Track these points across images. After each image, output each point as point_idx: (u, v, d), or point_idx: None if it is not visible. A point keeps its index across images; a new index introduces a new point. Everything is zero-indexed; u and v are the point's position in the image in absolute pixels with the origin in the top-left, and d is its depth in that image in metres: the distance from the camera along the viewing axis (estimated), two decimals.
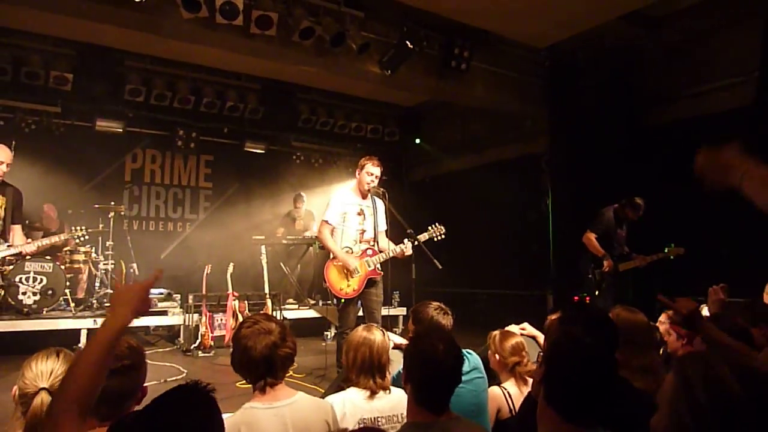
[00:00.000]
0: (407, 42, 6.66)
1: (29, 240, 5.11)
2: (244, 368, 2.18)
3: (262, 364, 2.11)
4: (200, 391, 1.40)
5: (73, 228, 5.14)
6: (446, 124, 10.56)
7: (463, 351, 2.75)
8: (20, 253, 4.88)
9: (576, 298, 6.33)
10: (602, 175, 6.91)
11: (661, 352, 3.45)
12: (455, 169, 10.31)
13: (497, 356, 3.05)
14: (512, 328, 3.43)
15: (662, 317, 3.41)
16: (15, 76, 7.48)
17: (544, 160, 8.39)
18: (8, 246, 4.78)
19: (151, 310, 7.02)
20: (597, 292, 6.09)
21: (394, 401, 2.56)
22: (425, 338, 2.14)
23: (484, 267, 8.88)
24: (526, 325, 3.64)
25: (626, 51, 7.44)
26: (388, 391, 2.57)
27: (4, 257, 4.85)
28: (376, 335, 2.62)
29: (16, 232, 4.95)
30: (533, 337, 3.55)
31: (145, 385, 1.89)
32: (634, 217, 6.07)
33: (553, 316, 2.84)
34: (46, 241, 5.09)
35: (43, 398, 1.74)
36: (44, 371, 1.80)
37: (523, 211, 8.59)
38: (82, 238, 5.24)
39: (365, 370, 2.54)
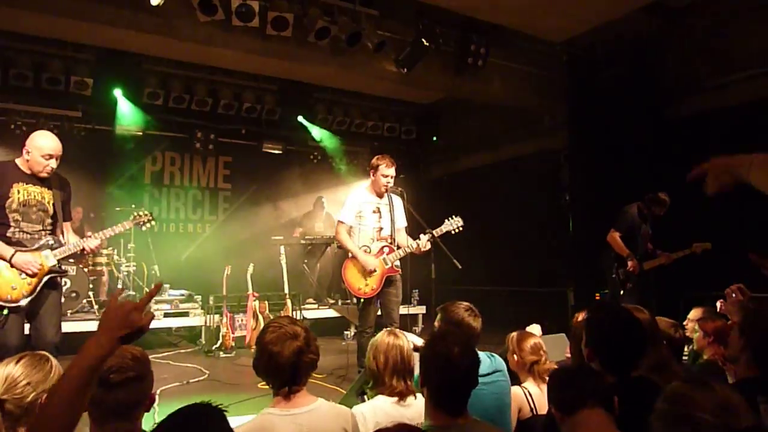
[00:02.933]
0: (423, 39, 6.62)
1: (89, 234, 4.20)
2: (269, 374, 2.14)
3: (288, 371, 2.07)
4: (213, 412, 1.39)
5: (134, 214, 4.60)
6: (463, 122, 10.48)
7: (486, 353, 2.73)
8: (83, 249, 4.02)
9: (597, 296, 6.23)
10: (623, 169, 6.81)
11: (687, 349, 3.40)
12: (473, 166, 10.24)
13: (515, 357, 3.03)
14: (532, 328, 3.39)
15: (691, 314, 3.35)
16: (36, 82, 7.58)
17: (563, 155, 8.29)
18: (63, 243, 3.93)
19: (173, 312, 7.12)
20: (622, 292, 5.89)
21: (421, 407, 2.54)
22: (441, 341, 2.12)
23: (504, 265, 8.81)
24: None
25: (646, 43, 7.31)
26: (414, 396, 2.55)
27: (65, 257, 3.94)
28: (403, 340, 2.62)
29: (69, 230, 4.15)
30: None
31: (153, 392, 1.89)
32: (660, 213, 5.83)
33: (580, 316, 2.80)
34: (110, 233, 4.19)
35: None
36: None
37: (542, 207, 8.49)
38: (147, 225, 4.62)
39: (398, 372, 2.53)
